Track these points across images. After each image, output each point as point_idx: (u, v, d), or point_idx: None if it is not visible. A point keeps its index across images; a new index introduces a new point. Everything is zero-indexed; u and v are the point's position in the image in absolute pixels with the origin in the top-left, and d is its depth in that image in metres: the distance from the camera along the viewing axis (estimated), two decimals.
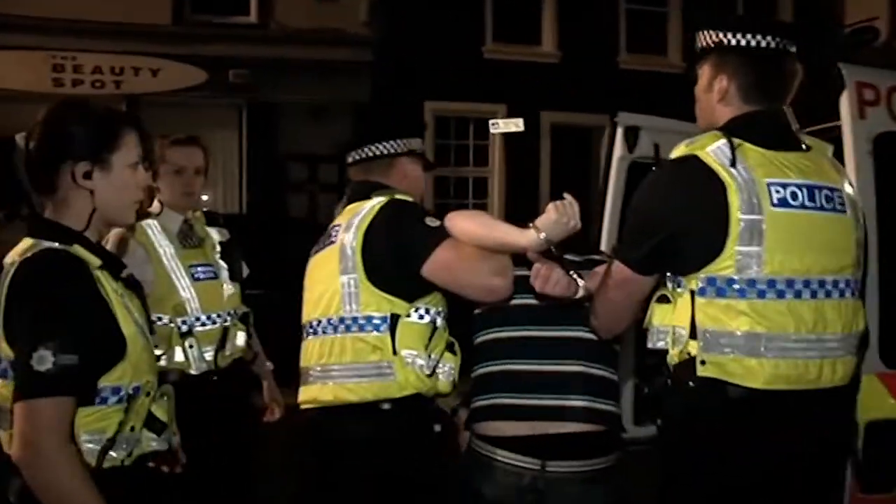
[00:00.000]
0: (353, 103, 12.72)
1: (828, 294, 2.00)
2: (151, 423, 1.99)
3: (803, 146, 2.13)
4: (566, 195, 2.28)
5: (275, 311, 3.91)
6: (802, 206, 1.99)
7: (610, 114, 4.52)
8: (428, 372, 2.41)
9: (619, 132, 4.42)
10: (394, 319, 2.42)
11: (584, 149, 14.27)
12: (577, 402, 2.52)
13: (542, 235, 2.23)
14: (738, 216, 1.96)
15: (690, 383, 2.04)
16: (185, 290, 3.15)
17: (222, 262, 3.34)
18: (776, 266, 1.96)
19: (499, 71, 13.43)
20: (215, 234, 3.41)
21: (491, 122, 13.70)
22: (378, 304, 2.43)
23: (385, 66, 12.85)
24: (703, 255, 2.01)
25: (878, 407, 3.00)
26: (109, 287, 1.94)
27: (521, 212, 2.51)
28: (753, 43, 2.09)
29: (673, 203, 2.07)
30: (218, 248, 3.37)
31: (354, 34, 12.82)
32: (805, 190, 2.00)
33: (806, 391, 2.00)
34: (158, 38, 11.76)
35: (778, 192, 1.98)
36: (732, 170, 1.99)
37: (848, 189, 2.13)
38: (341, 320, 2.47)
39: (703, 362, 2.01)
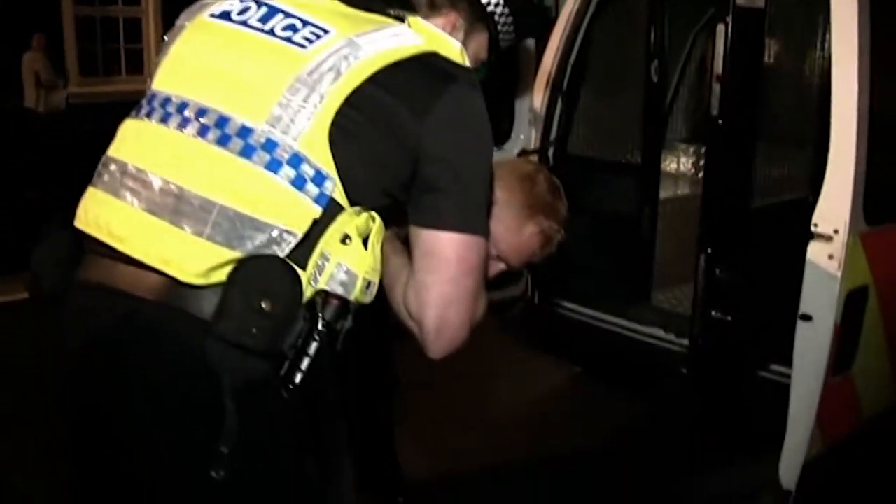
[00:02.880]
0: None
1: (202, 131, 1.39)
2: None
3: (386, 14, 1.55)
4: None
5: None
6: (243, 24, 1.50)
7: None
8: None
9: None
10: None
11: None
12: None
13: None
14: (181, 21, 1.58)
15: None
16: None
17: None
18: (161, 78, 1.52)
19: None
20: None
21: None
22: None
23: None
24: None
25: (855, 273, 2.79)
26: None
27: None
28: None
29: None
30: None
31: None
32: (265, 9, 1.50)
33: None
34: None
35: (231, 5, 1.53)
36: None
37: (362, 51, 1.40)
38: None
39: None
